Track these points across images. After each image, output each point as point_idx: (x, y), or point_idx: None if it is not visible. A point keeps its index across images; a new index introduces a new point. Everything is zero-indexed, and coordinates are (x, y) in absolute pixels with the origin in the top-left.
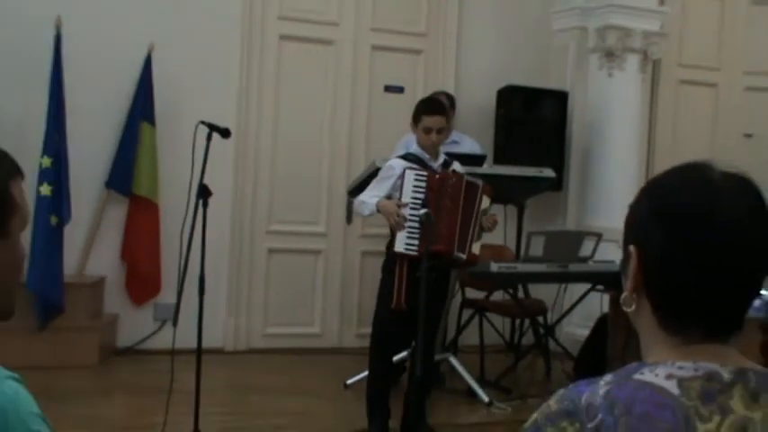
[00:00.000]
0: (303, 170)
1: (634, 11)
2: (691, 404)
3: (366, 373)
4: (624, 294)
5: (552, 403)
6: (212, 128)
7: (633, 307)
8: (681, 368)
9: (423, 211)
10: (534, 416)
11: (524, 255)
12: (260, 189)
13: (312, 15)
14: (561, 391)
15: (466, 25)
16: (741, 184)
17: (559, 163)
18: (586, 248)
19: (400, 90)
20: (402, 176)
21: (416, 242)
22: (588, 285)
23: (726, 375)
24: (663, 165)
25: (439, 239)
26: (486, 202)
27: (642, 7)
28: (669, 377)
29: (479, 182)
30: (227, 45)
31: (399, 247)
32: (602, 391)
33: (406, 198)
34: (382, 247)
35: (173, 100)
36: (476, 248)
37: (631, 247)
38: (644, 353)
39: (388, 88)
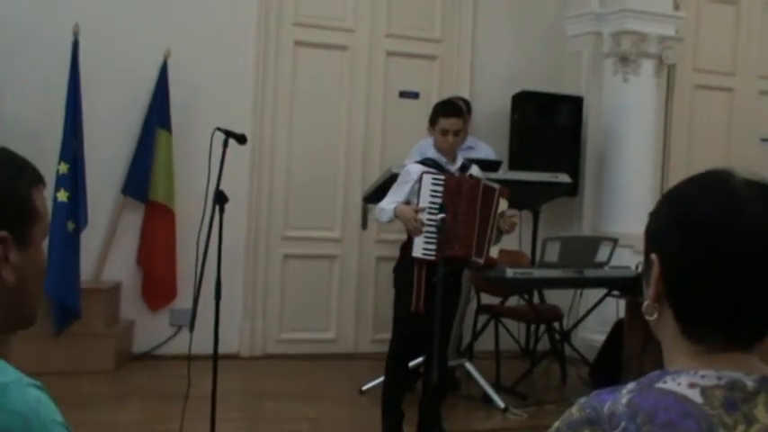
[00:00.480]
0: (318, 176)
1: (649, 16)
2: (714, 413)
3: (382, 378)
4: (646, 303)
5: (574, 411)
6: (228, 134)
7: (655, 315)
8: (704, 377)
9: (440, 216)
10: (556, 424)
11: (540, 260)
12: (275, 195)
13: (327, 22)
14: (583, 400)
15: (480, 31)
16: (763, 192)
17: (575, 168)
18: (602, 254)
19: (415, 96)
20: (419, 181)
21: (434, 247)
22: (604, 291)
23: (749, 384)
24: (678, 169)
25: (456, 244)
26: (503, 205)
27: (657, 12)
28: (692, 386)
29: (496, 185)
30: (242, 51)
31: (417, 252)
32: (624, 400)
33: (424, 202)
34: (397, 253)
35: (189, 106)
36: (494, 252)
37: (653, 256)
38: (666, 361)
39: (403, 94)
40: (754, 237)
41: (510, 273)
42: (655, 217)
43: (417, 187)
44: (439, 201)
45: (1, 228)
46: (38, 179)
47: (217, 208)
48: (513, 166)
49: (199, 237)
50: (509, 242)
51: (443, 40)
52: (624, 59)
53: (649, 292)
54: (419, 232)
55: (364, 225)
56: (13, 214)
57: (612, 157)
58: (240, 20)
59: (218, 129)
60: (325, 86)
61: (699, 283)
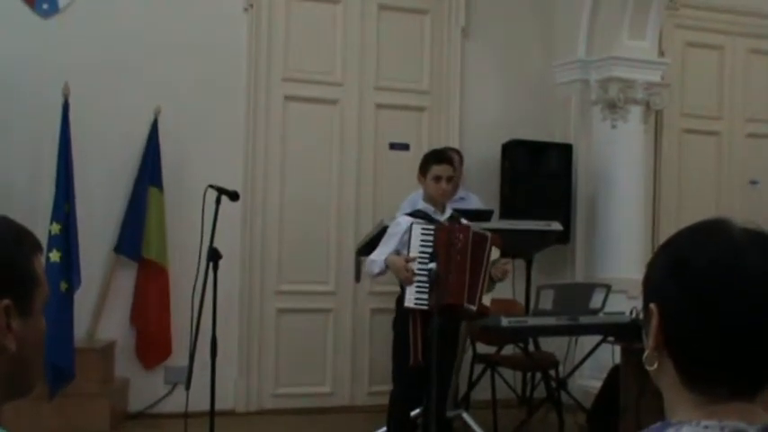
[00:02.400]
0: (311, 230)
1: (634, 63)
2: None
3: (381, 430)
4: (646, 353)
5: None
6: (221, 191)
7: (655, 365)
8: (706, 427)
9: (431, 265)
10: None
11: (534, 308)
12: (268, 250)
13: (316, 76)
14: None
15: (468, 81)
16: (761, 241)
17: (566, 215)
18: (596, 300)
19: (405, 147)
20: (409, 231)
21: (426, 296)
22: (599, 337)
23: None
24: (669, 213)
25: (448, 292)
26: (495, 253)
27: (642, 59)
28: None
29: (488, 233)
30: (232, 107)
31: (410, 302)
32: None
33: (414, 252)
34: (392, 305)
35: (179, 163)
36: (486, 300)
37: (651, 306)
38: (668, 412)
39: (393, 146)
40: (752, 286)
41: (505, 321)
42: (652, 267)
43: (407, 238)
44: (429, 250)
45: (3, 296)
46: (37, 246)
47: (211, 265)
48: (505, 214)
49: (193, 294)
50: (503, 291)
51: (432, 92)
52: (612, 106)
53: (649, 342)
54: (410, 282)
55: (358, 278)
56: (15, 282)
57: (603, 202)
58: (229, 76)
59: (211, 186)
60: (316, 140)
61: (698, 333)
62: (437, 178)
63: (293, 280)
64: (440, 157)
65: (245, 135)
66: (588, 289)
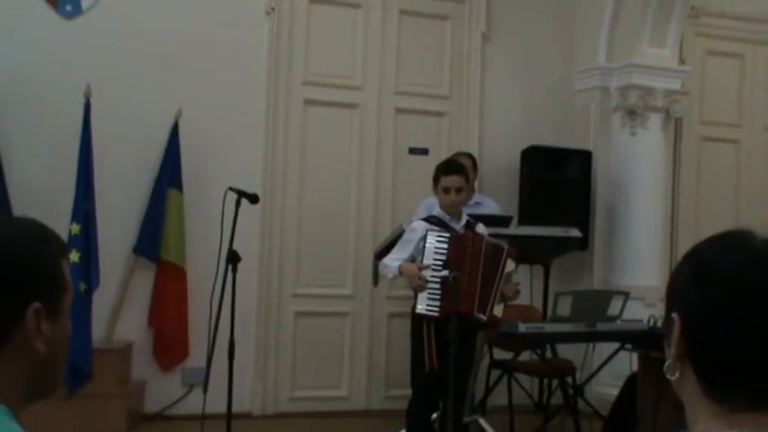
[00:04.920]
0: (329, 233)
1: (655, 70)
2: None
3: None
4: (667, 362)
5: None
6: (241, 194)
7: (677, 375)
8: None
9: (445, 272)
10: None
11: (552, 314)
12: (286, 253)
13: (336, 80)
14: None
15: (489, 87)
16: None
17: (584, 222)
18: (614, 307)
19: (425, 152)
20: (424, 239)
21: (437, 303)
22: (617, 344)
23: None
24: (688, 221)
25: (459, 299)
26: (510, 265)
27: (663, 66)
28: None
29: (504, 244)
30: (252, 110)
31: (420, 308)
32: None
33: (428, 260)
34: (409, 309)
35: (200, 165)
36: (497, 311)
37: (674, 315)
38: (689, 422)
39: (412, 150)
40: None
41: (522, 327)
42: (675, 276)
43: (422, 245)
44: (443, 258)
45: (33, 298)
46: (64, 249)
47: (230, 267)
48: (523, 220)
49: (212, 296)
50: (521, 297)
51: (452, 97)
52: (632, 113)
53: (671, 351)
54: (422, 290)
55: (376, 282)
56: (45, 286)
57: (622, 210)
58: (250, 79)
59: (231, 188)
60: (335, 144)
61: (719, 342)
62: (446, 189)
63: (311, 283)
64: (448, 169)
65: (265, 138)
66: (606, 296)
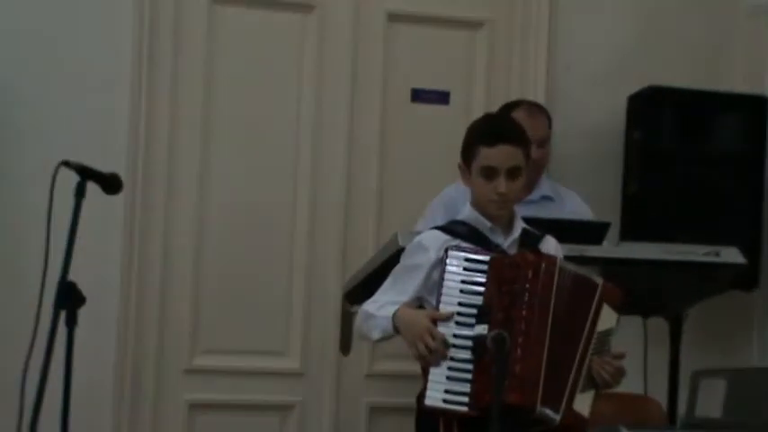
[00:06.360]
0: (257, 255)
1: None
2: None
3: None
4: None
5: None
6: (86, 174)
7: None
8: None
9: (481, 328)
10: None
11: (688, 413)
12: (175, 291)
13: None
14: None
15: None
16: None
17: (752, 237)
18: None
19: (443, 97)
20: (443, 262)
21: (468, 388)
22: None
23: None
24: None
25: (510, 383)
26: (609, 318)
27: None
28: None
29: (598, 279)
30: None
31: (433, 398)
32: None
33: (449, 305)
34: (408, 399)
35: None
36: (581, 404)
37: None
38: None
39: (418, 94)
40: None
41: None
42: None
43: (437, 277)
44: (477, 303)
45: None
46: None
47: (60, 315)
48: (629, 231)
49: (25, 372)
50: (626, 379)
51: None
52: None
53: None
54: (438, 362)
55: (346, 347)
56: None
57: None
58: None
59: (66, 163)
60: (271, 73)
61: None
62: (489, 172)
63: (218, 349)
64: (495, 133)
65: (132, 73)
66: None
